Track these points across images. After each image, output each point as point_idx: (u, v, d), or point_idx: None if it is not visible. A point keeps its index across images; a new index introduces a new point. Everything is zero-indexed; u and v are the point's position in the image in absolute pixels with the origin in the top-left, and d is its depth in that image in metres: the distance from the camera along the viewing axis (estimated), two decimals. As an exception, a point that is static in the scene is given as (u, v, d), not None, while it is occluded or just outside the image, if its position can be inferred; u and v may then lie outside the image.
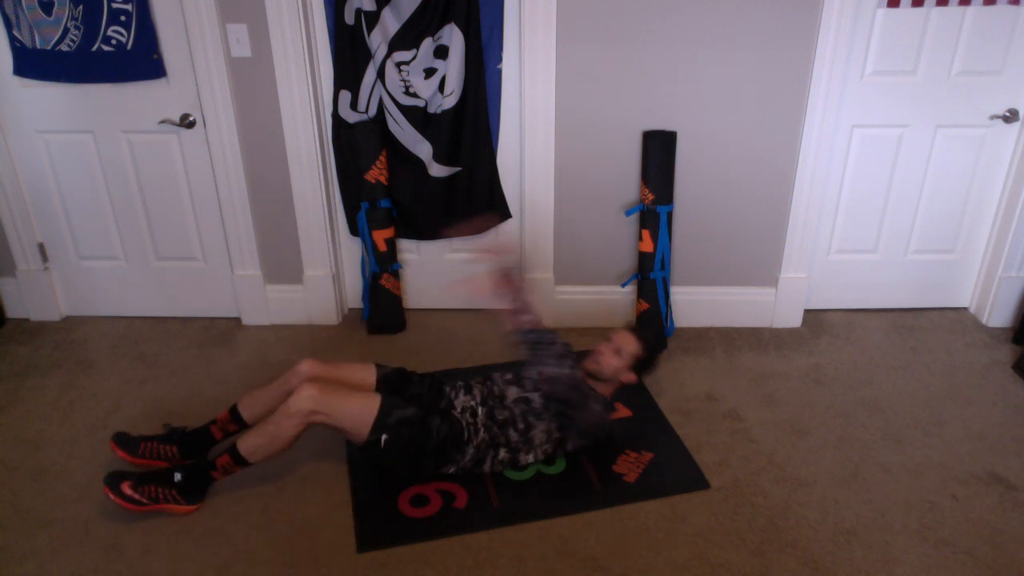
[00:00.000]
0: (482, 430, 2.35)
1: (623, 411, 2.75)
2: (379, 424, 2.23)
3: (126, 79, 2.93)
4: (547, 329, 2.35)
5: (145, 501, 2.22)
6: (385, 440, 2.23)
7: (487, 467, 2.39)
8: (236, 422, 2.43)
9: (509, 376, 2.52)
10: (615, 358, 2.46)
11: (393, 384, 2.45)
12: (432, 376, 2.54)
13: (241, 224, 3.16)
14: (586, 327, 3.29)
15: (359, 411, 2.24)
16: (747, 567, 2.10)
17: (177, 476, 2.26)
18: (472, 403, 2.40)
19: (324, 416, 2.21)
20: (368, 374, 2.46)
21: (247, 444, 2.23)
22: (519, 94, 2.98)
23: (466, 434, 2.33)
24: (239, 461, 2.24)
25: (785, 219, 3.11)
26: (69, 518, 2.28)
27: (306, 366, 2.41)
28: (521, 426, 2.37)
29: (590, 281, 3.25)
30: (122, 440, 2.42)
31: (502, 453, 2.38)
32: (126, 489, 2.22)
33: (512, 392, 2.44)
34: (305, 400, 2.20)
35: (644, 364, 2.52)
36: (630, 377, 2.49)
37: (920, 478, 2.43)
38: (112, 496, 2.20)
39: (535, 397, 2.40)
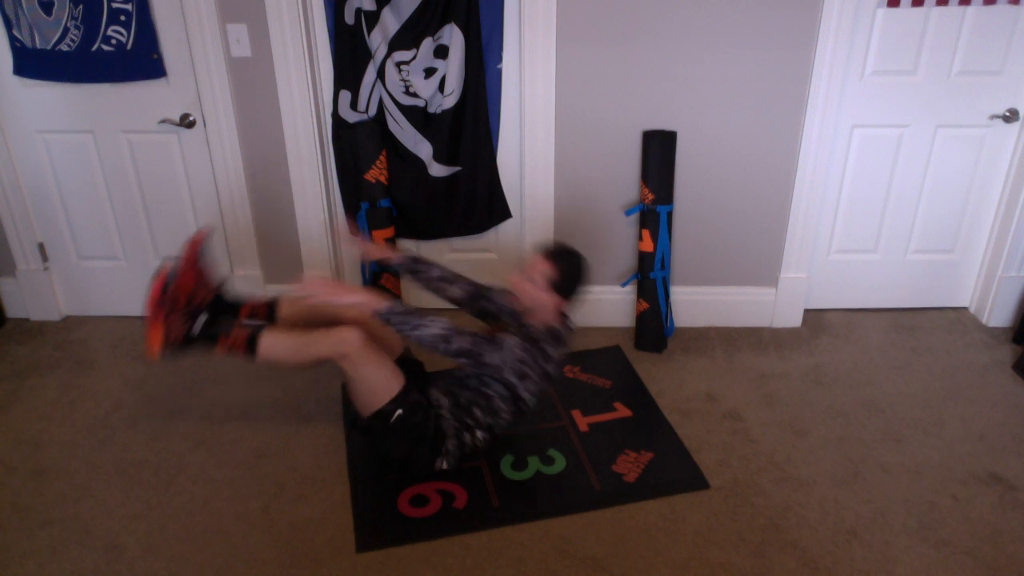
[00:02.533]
0: (453, 417, 2.35)
1: (623, 411, 2.75)
2: (399, 398, 2.25)
3: (126, 79, 2.93)
4: (398, 304, 2.29)
5: (165, 308, 2.22)
6: (399, 415, 2.25)
7: (471, 448, 2.39)
8: (268, 316, 2.43)
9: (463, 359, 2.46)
10: (528, 286, 2.32)
11: (408, 369, 2.45)
12: (427, 375, 2.56)
13: (241, 224, 3.16)
14: (586, 327, 3.29)
15: (386, 379, 2.25)
16: (747, 567, 2.10)
17: (197, 326, 2.27)
18: (439, 396, 2.38)
19: (353, 365, 2.21)
20: (399, 345, 2.51)
21: (271, 341, 2.25)
22: (519, 94, 2.98)
23: (444, 426, 2.33)
24: (251, 346, 2.25)
25: (785, 219, 3.11)
26: (69, 518, 2.28)
27: (359, 308, 2.35)
28: (482, 401, 2.37)
29: (590, 281, 3.25)
30: (203, 245, 2.43)
31: (478, 433, 2.39)
32: (175, 284, 2.25)
33: (466, 371, 2.42)
34: (351, 342, 2.20)
35: (564, 284, 2.33)
36: (555, 301, 2.34)
37: (920, 478, 2.43)
38: (164, 274, 2.22)
39: (468, 362, 2.31)
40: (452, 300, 2.59)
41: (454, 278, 2.58)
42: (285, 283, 3.28)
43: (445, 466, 2.38)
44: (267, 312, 2.48)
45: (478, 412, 2.37)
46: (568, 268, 2.34)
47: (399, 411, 2.25)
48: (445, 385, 2.42)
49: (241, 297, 2.53)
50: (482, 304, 2.57)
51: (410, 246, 3.31)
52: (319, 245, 3.20)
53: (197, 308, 2.35)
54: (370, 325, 2.44)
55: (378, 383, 2.25)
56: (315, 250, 3.20)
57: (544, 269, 2.32)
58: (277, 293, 2.51)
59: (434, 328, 2.23)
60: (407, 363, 2.50)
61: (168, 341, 2.25)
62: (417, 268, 2.58)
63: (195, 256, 2.40)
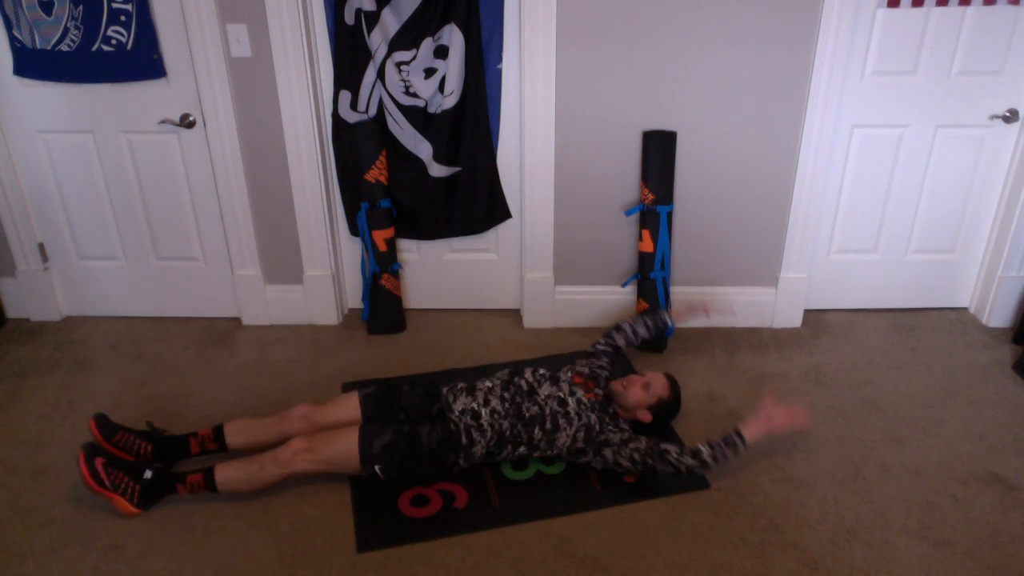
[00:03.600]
0: (499, 425, 2.33)
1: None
2: (365, 458, 2.26)
3: (126, 79, 2.93)
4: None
5: (108, 485, 2.22)
6: (379, 469, 2.27)
7: (502, 457, 2.40)
8: (217, 442, 2.44)
9: (543, 371, 2.51)
10: (642, 392, 2.50)
11: (378, 401, 2.45)
12: (427, 382, 2.53)
13: (241, 224, 3.16)
14: (586, 327, 3.29)
15: (343, 452, 2.28)
16: (747, 567, 2.10)
17: (148, 474, 2.27)
18: (474, 405, 2.37)
19: (311, 467, 2.27)
20: (352, 403, 2.46)
21: (225, 474, 2.27)
22: (519, 94, 2.98)
23: (464, 437, 2.32)
24: (209, 485, 2.27)
25: (785, 219, 3.11)
26: (69, 518, 2.28)
27: (300, 411, 2.44)
28: (548, 426, 2.37)
29: (590, 281, 3.25)
30: (102, 422, 2.42)
31: (521, 449, 2.38)
32: (98, 465, 2.23)
33: (545, 389, 2.43)
34: (297, 453, 2.26)
35: (663, 409, 2.55)
36: (646, 416, 2.52)
37: (920, 478, 2.43)
38: (83, 464, 2.20)
39: (571, 401, 2.40)
40: (610, 343, 2.75)
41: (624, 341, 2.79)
42: (289, 282, 3.28)
43: (465, 465, 2.37)
44: (215, 436, 2.44)
45: (538, 432, 2.37)
46: (673, 405, 2.58)
47: (377, 467, 2.27)
48: (501, 395, 2.40)
49: (183, 435, 2.48)
50: (600, 366, 2.65)
51: (410, 246, 3.31)
52: (319, 245, 3.20)
53: (139, 465, 2.32)
54: (315, 421, 2.42)
55: (342, 459, 2.28)
56: (315, 250, 3.20)
57: (661, 394, 2.53)
58: (220, 421, 2.50)
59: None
60: (376, 401, 2.45)
61: (135, 502, 2.26)
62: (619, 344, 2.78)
63: (98, 435, 2.39)
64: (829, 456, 2.52)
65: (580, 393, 2.43)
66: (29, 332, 3.31)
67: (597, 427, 2.38)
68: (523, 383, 2.45)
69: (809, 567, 2.10)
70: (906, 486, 2.39)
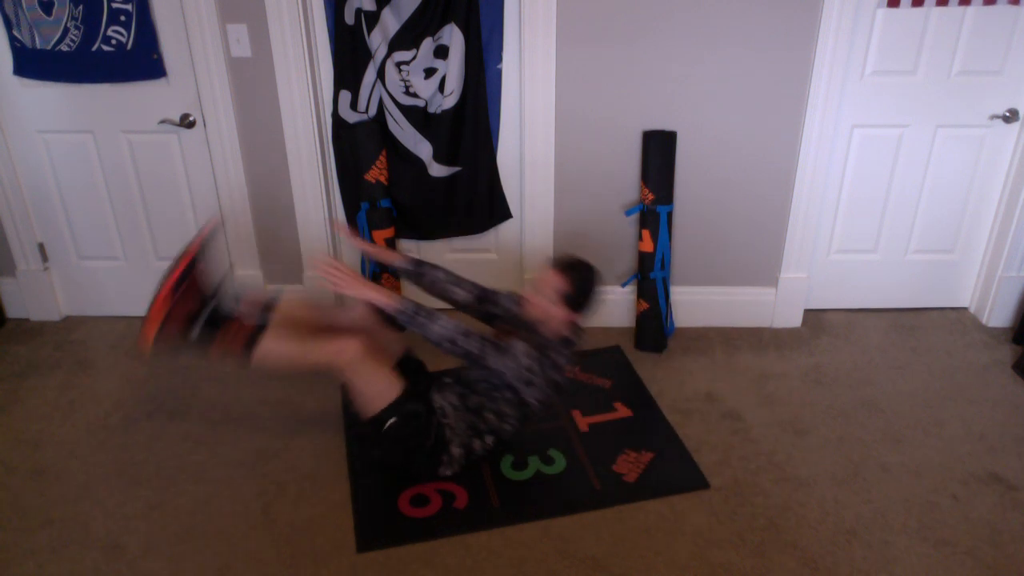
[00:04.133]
0: (461, 421, 2.34)
1: (623, 411, 2.75)
2: (393, 407, 2.25)
3: (126, 79, 2.93)
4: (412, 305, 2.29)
5: (171, 303, 2.22)
6: (391, 423, 2.25)
7: (479, 453, 2.39)
8: (263, 313, 2.40)
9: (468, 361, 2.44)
10: (541, 298, 2.34)
11: (409, 370, 2.44)
12: (430, 377, 2.54)
13: (241, 224, 3.16)
14: (586, 327, 3.29)
15: (383, 387, 2.25)
16: (747, 567, 2.10)
17: (195, 332, 2.28)
18: (442, 402, 2.36)
19: (351, 373, 2.23)
20: (399, 349, 2.49)
21: (271, 341, 2.25)
22: (519, 94, 2.98)
23: (446, 434, 2.32)
24: (249, 346, 2.25)
25: (785, 219, 3.11)
26: (69, 518, 2.28)
27: (361, 312, 2.41)
28: (492, 405, 2.36)
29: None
30: (208, 240, 2.43)
31: (488, 439, 2.38)
32: (196, 272, 2.26)
33: (475, 373, 2.40)
34: (349, 353, 2.22)
35: (576, 298, 2.33)
36: (567, 315, 2.34)
37: (920, 478, 2.43)
38: (183, 264, 2.24)
39: (470, 364, 2.33)
40: (456, 303, 2.58)
41: (458, 281, 2.57)
42: (289, 281, 3.29)
43: (449, 472, 2.37)
44: (262, 314, 2.45)
45: (490, 416, 2.36)
46: (581, 282, 2.34)
47: (393, 419, 2.25)
48: (453, 389, 2.40)
49: (238, 296, 2.51)
50: (488, 308, 2.57)
51: (410, 246, 3.31)
52: (319, 245, 3.20)
53: (200, 304, 2.34)
54: (370, 332, 2.43)
55: (375, 390, 2.25)
56: (315, 250, 3.20)
57: (556, 283, 2.33)
58: (274, 295, 2.49)
59: (444, 329, 2.24)
60: (409, 364, 2.50)
61: (165, 332, 2.24)
62: (421, 271, 2.57)
63: (203, 247, 2.38)
64: (829, 456, 2.52)
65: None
66: (29, 332, 3.31)
67: (526, 359, 2.29)
68: (463, 375, 2.43)
69: (809, 567, 2.10)
70: (906, 486, 2.40)
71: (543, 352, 2.31)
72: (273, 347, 2.27)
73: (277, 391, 2.87)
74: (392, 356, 2.46)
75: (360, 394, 2.26)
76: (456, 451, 2.34)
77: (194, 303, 2.31)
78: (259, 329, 2.29)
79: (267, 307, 2.46)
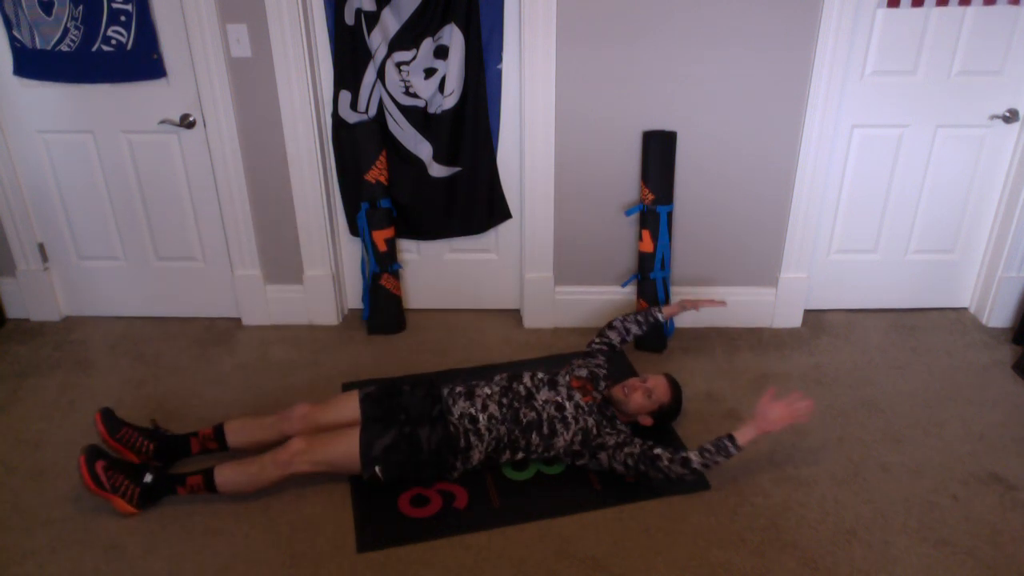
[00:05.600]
0: (496, 431, 2.33)
1: (623, 411, 2.75)
2: (366, 459, 2.26)
3: (126, 79, 2.93)
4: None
5: (107, 487, 2.22)
6: (380, 471, 2.27)
7: (501, 461, 2.40)
8: (218, 441, 2.44)
9: (541, 376, 2.50)
10: (644, 398, 2.47)
11: (379, 402, 2.44)
12: (429, 382, 2.52)
13: (241, 224, 3.16)
14: (586, 327, 3.29)
15: (343, 454, 2.28)
16: (747, 567, 2.10)
17: (148, 477, 2.27)
18: (472, 410, 2.36)
19: (311, 468, 2.27)
20: (353, 407, 2.45)
21: (224, 475, 2.27)
22: (519, 94, 2.98)
23: (463, 440, 2.32)
24: (209, 487, 2.27)
25: (785, 219, 3.11)
26: (69, 518, 2.28)
27: (300, 412, 2.43)
28: (546, 431, 2.37)
29: (590, 281, 3.25)
30: (108, 417, 2.42)
31: (519, 455, 2.39)
32: (99, 468, 2.22)
33: (544, 394, 2.43)
34: (296, 454, 2.25)
35: (664, 414, 2.54)
36: (647, 420, 2.51)
37: (920, 478, 2.43)
38: (84, 467, 2.20)
39: (568, 406, 2.40)
40: (608, 340, 2.76)
41: (628, 332, 2.81)
42: (289, 282, 3.28)
43: (457, 475, 2.38)
44: (216, 436, 2.44)
45: (535, 438, 2.37)
46: (674, 409, 2.55)
47: (377, 468, 2.27)
48: (495, 400, 2.39)
49: (184, 434, 2.48)
50: (601, 360, 2.66)
51: (410, 246, 3.31)
52: (319, 245, 3.20)
53: (139, 467, 2.31)
54: (315, 421, 2.41)
55: (342, 460, 2.28)
56: (315, 250, 3.20)
57: (663, 397, 2.50)
58: (220, 421, 2.49)
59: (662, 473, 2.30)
60: (376, 402, 2.45)
61: (134, 503, 2.26)
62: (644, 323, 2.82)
63: (105, 433, 2.39)
64: (829, 456, 2.52)
65: (578, 397, 2.43)
66: (29, 332, 3.31)
67: (595, 431, 2.38)
68: (521, 388, 2.45)
69: (809, 567, 2.10)
70: (906, 486, 2.40)
71: (605, 433, 2.39)
72: (229, 480, 2.27)
73: (277, 391, 2.87)
74: (349, 419, 2.43)
75: (335, 469, 2.30)
76: (476, 456, 2.35)
77: (129, 477, 2.27)
78: (209, 471, 2.27)
79: (216, 431, 2.44)
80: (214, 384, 2.92)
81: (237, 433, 2.44)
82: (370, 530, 2.22)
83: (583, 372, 2.56)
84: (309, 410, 2.43)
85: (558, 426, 2.37)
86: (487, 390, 2.44)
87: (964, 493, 2.37)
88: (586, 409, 2.41)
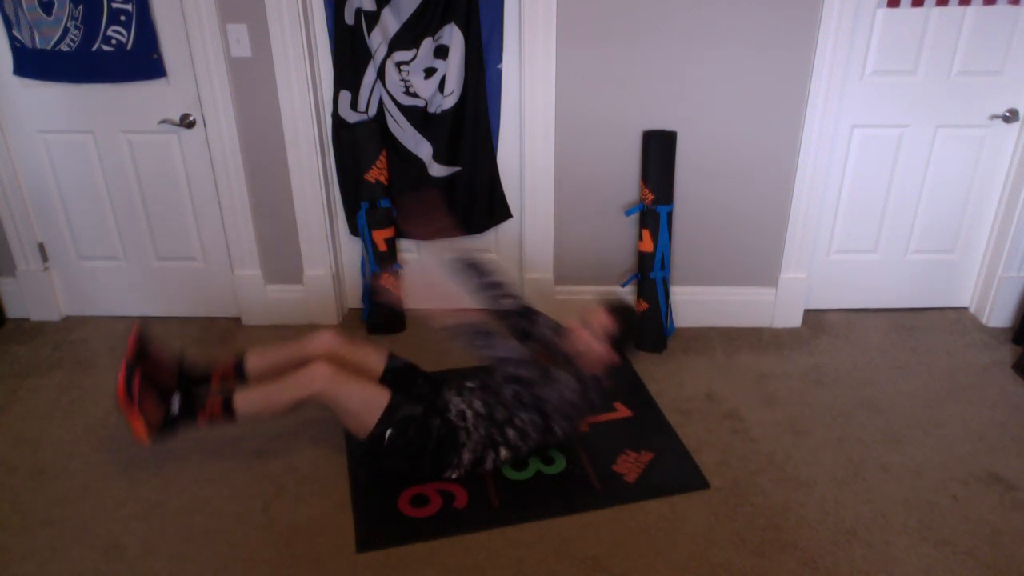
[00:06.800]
0: (480, 429, 2.34)
1: (623, 411, 2.75)
2: (385, 418, 2.24)
3: (126, 79, 2.93)
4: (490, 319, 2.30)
5: (135, 401, 2.20)
6: (389, 435, 2.24)
7: (488, 466, 2.39)
8: (238, 376, 2.43)
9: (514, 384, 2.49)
10: (588, 332, 2.39)
11: (400, 378, 2.44)
12: (434, 377, 2.53)
13: (241, 224, 3.16)
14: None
15: (368, 402, 2.24)
16: (747, 567, 2.10)
17: (175, 405, 2.26)
18: (462, 406, 2.37)
19: (331, 398, 2.22)
20: (379, 362, 2.45)
21: (244, 400, 2.25)
22: (519, 94, 2.98)
23: (461, 437, 2.32)
24: (228, 413, 2.24)
25: (785, 219, 3.11)
26: (69, 518, 2.28)
27: (326, 338, 2.40)
28: (518, 423, 2.36)
29: (590, 281, 3.25)
30: (142, 335, 2.40)
31: (503, 452, 2.38)
32: (135, 377, 2.22)
33: (508, 390, 2.41)
34: (319, 378, 2.21)
35: (620, 340, 2.40)
36: (610, 355, 2.39)
37: (920, 478, 2.43)
38: (123, 371, 2.20)
39: (519, 389, 2.34)
40: (498, 310, 2.59)
41: (509, 291, 2.60)
42: (289, 281, 3.28)
43: (455, 476, 2.37)
44: (236, 371, 2.45)
45: (511, 432, 2.36)
46: (627, 325, 2.42)
47: (389, 431, 2.25)
48: (479, 395, 2.39)
49: (207, 365, 2.49)
50: (524, 325, 2.57)
51: (410, 246, 3.31)
52: (319, 245, 3.20)
53: (167, 390, 2.32)
54: (339, 354, 2.41)
55: (360, 407, 2.24)
56: (315, 250, 3.20)
57: (606, 322, 2.39)
58: (241, 349, 2.49)
59: (500, 350, 2.25)
60: (397, 373, 2.47)
61: (151, 427, 2.25)
62: (482, 272, 2.60)
63: (137, 348, 2.37)
64: (829, 456, 2.52)
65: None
66: (29, 332, 3.31)
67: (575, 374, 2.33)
68: (493, 385, 2.43)
69: (809, 567, 2.10)
70: (906, 486, 2.40)
71: (583, 388, 2.34)
72: (249, 400, 2.26)
73: (277, 391, 2.87)
74: (372, 371, 2.44)
75: (347, 413, 2.26)
76: (467, 456, 2.34)
77: (162, 385, 2.28)
78: (230, 391, 2.28)
79: (237, 363, 2.45)
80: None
81: (258, 365, 2.42)
82: (370, 530, 2.22)
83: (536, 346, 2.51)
84: (334, 340, 2.40)
85: (521, 413, 2.34)
86: (470, 384, 2.45)
87: (964, 493, 2.37)
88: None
